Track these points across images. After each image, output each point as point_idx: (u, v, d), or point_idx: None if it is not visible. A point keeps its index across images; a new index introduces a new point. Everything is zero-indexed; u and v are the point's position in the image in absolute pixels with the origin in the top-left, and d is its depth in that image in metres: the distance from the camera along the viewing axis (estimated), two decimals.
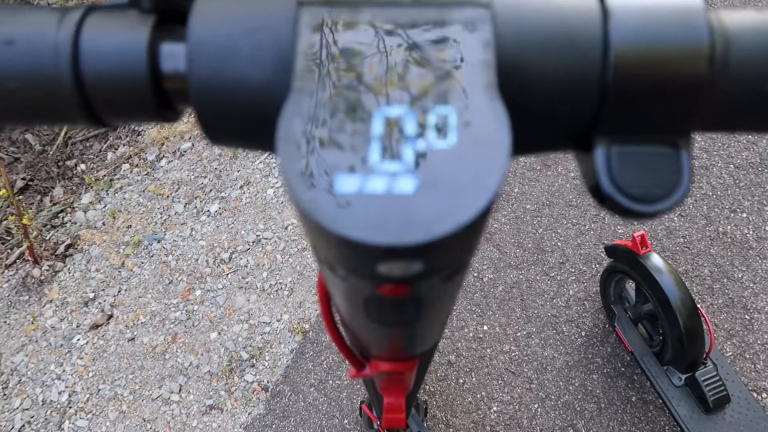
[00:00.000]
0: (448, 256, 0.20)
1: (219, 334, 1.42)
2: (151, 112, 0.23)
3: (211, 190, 1.69)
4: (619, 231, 1.50)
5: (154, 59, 0.22)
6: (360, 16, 0.20)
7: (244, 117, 0.21)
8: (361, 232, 0.17)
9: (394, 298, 0.22)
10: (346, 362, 0.46)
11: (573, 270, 1.45)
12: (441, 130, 0.18)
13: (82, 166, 1.81)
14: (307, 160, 0.18)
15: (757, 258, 1.43)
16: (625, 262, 1.17)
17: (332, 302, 0.43)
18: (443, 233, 0.17)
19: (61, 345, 1.44)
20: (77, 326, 1.47)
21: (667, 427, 1.23)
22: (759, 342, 1.31)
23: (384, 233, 0.17)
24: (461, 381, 1.32)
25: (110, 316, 1.48)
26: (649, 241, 1.21)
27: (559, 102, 0.21)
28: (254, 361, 1.38)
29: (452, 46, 0.20)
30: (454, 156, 0.18)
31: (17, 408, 1.36)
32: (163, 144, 1.82)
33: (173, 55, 0.22)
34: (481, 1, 0.20)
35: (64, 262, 1.60)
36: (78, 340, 1.45)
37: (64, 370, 1.40)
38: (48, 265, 1.59)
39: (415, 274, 0.19)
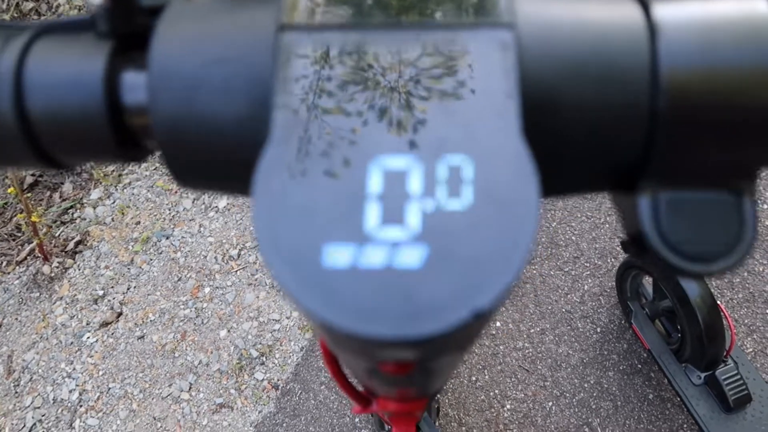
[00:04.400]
0: (460, 339, 0.16)
1: (228, 331, 1.41)
2: (112, 151, 0.20)
3: None
4: None
5: (112, 91, 0.19)
6: (353, 41, 0.17)
7: (214, 157, 0.18)
8: (355, 322, 0.13)
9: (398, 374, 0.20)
10: (331, 376, 0.43)
11: (588, 265, 1.42)
12: (453, 186, 0.15)
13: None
14: (288, 224, 0.14)
15: None
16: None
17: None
18: (457, 323, 0.13)
19: (72, 343, 1.44)
20: (87, 324, 1.47)
21: (685, 426, 1.20)
22: None
23: (383, 323, 0.13)
24: (474, 379, 1.30)
25: (120, 314, 1.47)
26: None
27: (599, 139, 0.17)
28: (264, 359, 1.36)
29: (467, 77, 0.16)
30: (470, 220, 0.14)
31: (29, 406, 1.36)
32: None
33: (134, 86, 0.19)
34: (502, 21, 0.17)
35: (73, 259, 1.59)
36: (88, 338, 1.44)
37: (74, 368, 1.40)
38: (58, 262, 1.59)
39: (422, 358, 0.16)
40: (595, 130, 0.17)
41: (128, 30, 0.19)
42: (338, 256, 0.14)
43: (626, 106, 0.17)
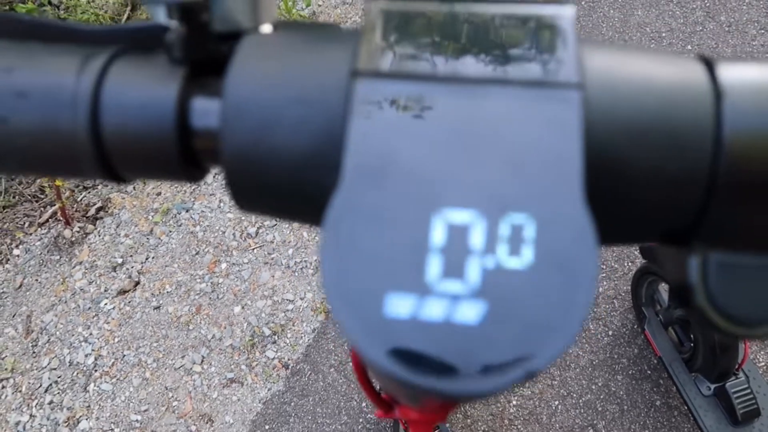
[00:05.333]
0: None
1: (243, 308, 1.43)
2: (176, 171, 0.20)
3: None
4: None
5: (183, 115, 0.19)
6: (425, 94, 0.17)
7: (278, 190, 0.19)
8: (413, 373, 0.14)
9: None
10: (358, 382, 0.44)
11: (604, 266, 1.41)
12: (515, 244, 0.15)
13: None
14: (354, 271, 0.15)
15: None
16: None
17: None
18: (509, 383, 0.14)
19: (89, 308, 1.47)
20: (105, 290, 1.49)
21: None
22: None
23: (438, 377, 0.14)
24: None
25: (137, 283, 1.50)
26: None
27: (656, 198, 0.17)
28: (276, 338, 1.38)
29: (533, 136, 0.16)
30: (529, 279, 0.14)
31: (45, 367, 1.39)
32: None
33: (205, 112, 0.20)
34: (571, 82, 0.17)
35: (94, 225, 1.62)
36: (105, 304, 1.47)
37: (91, 333, 1.43)
38: (79, 227, 1.61)
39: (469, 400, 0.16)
40: (655, 192, 0.17)
41: (201, 56, 0.20)
42: (400, 305, 0.14)
43: (687, 170, 0.17)
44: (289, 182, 0.18)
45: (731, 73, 0.17)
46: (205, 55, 0.20)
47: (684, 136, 0.17)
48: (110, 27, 0.21)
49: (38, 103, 0.19)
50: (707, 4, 1.82)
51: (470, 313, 0.14)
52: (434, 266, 0.15)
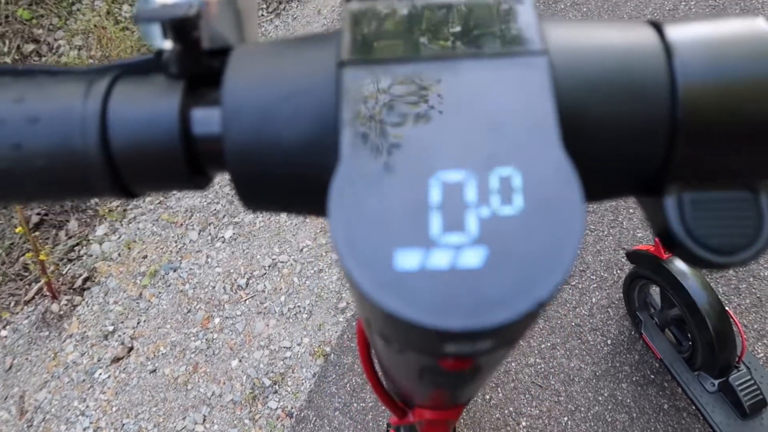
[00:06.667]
0: (520, 330, 0.18)
1: (240, 361, 1.41)
2: (183, 179, 0.22)
3: (224, 216, 1.68)
4: (639, 236, 1.48)
5: (186, 126, 0.21)
6: (406, 73, 0.19)
7: (283, 181, 0.20)
8: (430, 316, 0.15)
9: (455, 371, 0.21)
10: (369, 386, 0.45)
11: (594, 277, 1.43)
12: (505, 194, 0.16)
13: (95, 198, 1.81)
14: (363, 233, 0.16)
15: None
16: (649, 267, 1.15)
17: (372, 352, 0.41)
18: (522, 312, 0.15)
19: (84, 380, 1.44)
20: (98, 360, 1.47)
21: None
22: None
23: (455, 316, 0.15)
24: (488, 397, 1.30)
25: (131, 349, 1.48)
26: None
27: (626, 149, 0.19)
28: (277, 387, 1.36)
29: (510, 99, 0.18)
30: (522, 223, 0.16)
31: None
32: None
33: (206, 120, 0.21)
34: (537, 50, 0.19)
35: (82, 296, 1.60)
36: (100, 374, 1.44)
37: (87, 406, 1.40)
38: (66, 300, 1.59)
39: (483, 350, 0.17)
40: (623, 141, 0.19)
41: (196, 71, 0.22)
42: (408, 259, 0.16)
43: (648, 119, 0.19)
44: (293, 171, 0.20)
45: (678, 33, 0.20)
46: (200, 70, 0.22)
47: (643, 91, 0.19)
48: (106, 64, 0.22)
49: (49, 127, 0.21)
50: None
51: (473, 258, 0.16)
52: (436, 222, 0.16)
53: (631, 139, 0.19)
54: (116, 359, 1.46)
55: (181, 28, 0.20)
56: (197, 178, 0.22)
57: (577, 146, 0.19)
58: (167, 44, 0.21)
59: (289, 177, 0.20)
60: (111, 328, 1.51)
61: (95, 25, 2.06)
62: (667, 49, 0.19)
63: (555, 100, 0.18)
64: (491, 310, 0.15)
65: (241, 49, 0.22)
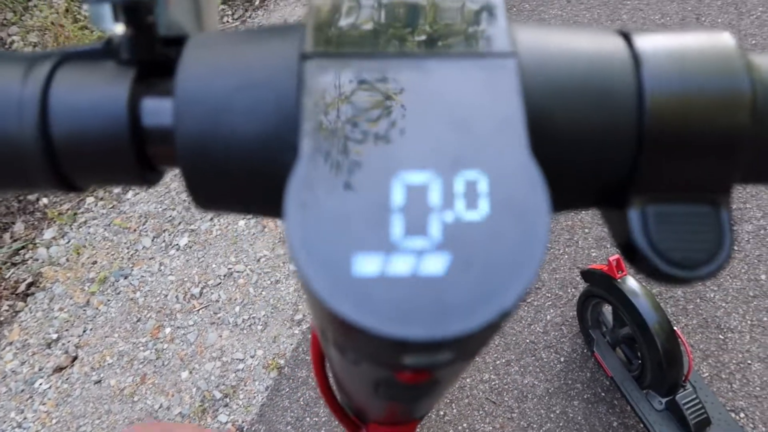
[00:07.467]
0: (481, 341, 0.17)
1: (190, 373, 1.37)
2: (131, 173, 0.20)
3: (180, 223, 1.64)
4: (593, 255, 1.51)
5: (135, 116, 0.20)
6: (372, 69, 0.18)
7: (238, 178, 0.19)
8: (388, 324, 0.14)
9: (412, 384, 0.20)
10: (323, 400, 0.44)
11: (549, 295, 1.45)
12: (471, 198, 0.16)
13: (44, 200, 1.74)
14: (320, 236, 0.15)
15: (728, 277, 1.45)
16: (602, 286, 1.17)
17: (326, 364, 0.40)
18: (484, 322, 0.14)
19: (23, 390, 1.37)
20: (39, 369, 1.40)
21: None
22: (734, 361, 1.32)
23: (414, 325, 0.14)
24: (441, 413, 1.29)
25: (75, 358, 1.41)
26: (625, 265, 1.21)
27: (593, 157, 0.19)
28: (228, 401, 1.33)
29: (477, 100, 0.17)
30: (487, 229, 0.15)
31: None
32: None
33: (157, 111, 0.20)
34: (505, 51, 0.18)
35: (25, 302, 1.53)
36: (40, 384, 1.38)
37: (25, 418, 1.33)
38: (8, 305, 1.52)
39: (442, 362, 0.17)
40: (590, 149, 0.19)
41: (149, 58, 0.20)
42: (367, 264, 0.15)
43: (616, 127, 0.19)
44: (248, 168, 0.19)
45: (646, 43, 0.20)
46: (153, 57, 0.20)
47: (611, 98, 0.19)
48: (50, 50, 0.21)
49: None
50: None
51: (435, 265, 0.15)
52: (397, 225, 0.15)
53: (598, 147, 0.19)
54: (59, 369, 1.40)
55: (135, 10, 0.19)
56: (146, 173, 0.21)
57: (543, 152, 0.18)
58: (118, 28, 0.19)
59: (244, 174, 0.19)
60: (55, 336, 1.45)
61: (52, 23, 2.00)
62: (636, 58, 0.19)
63: (523, 104, 0.18)
64: (452, 320, 0.14)
65: (200, 36, 0.20)
